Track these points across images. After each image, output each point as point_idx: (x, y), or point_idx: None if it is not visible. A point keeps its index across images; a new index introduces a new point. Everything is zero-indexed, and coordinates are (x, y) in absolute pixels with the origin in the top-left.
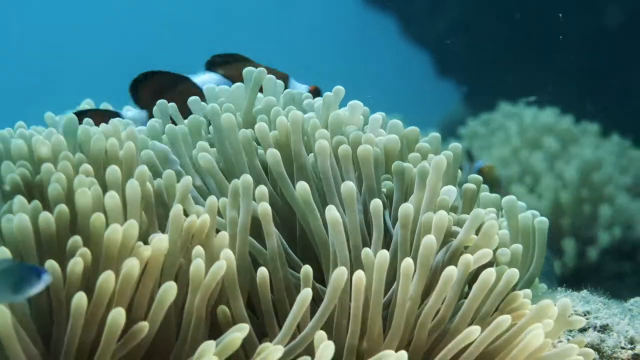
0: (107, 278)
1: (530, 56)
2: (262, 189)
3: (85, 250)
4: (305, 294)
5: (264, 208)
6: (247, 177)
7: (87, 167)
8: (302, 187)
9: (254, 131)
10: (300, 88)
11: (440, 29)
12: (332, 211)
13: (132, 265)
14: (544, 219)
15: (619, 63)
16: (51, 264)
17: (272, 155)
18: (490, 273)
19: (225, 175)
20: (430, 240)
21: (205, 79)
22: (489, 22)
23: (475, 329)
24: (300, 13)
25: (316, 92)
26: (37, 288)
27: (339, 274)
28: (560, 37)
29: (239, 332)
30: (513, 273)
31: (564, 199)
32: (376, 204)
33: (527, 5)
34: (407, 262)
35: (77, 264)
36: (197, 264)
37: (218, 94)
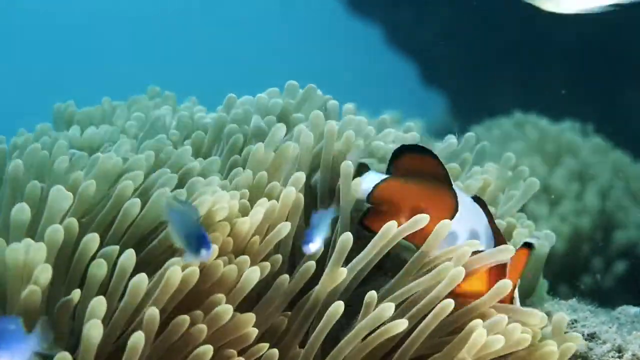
0: None
1: (517, 65)
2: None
3: None
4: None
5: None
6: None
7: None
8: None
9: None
10: None
11: (426, 38)
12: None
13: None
14: (545, 243)
15: (609, 72)
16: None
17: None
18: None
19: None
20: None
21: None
22: (475, 30)
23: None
24: (285, 20)
25: None
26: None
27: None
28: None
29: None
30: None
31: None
32: None
33: (514, 13)
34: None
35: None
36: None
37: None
